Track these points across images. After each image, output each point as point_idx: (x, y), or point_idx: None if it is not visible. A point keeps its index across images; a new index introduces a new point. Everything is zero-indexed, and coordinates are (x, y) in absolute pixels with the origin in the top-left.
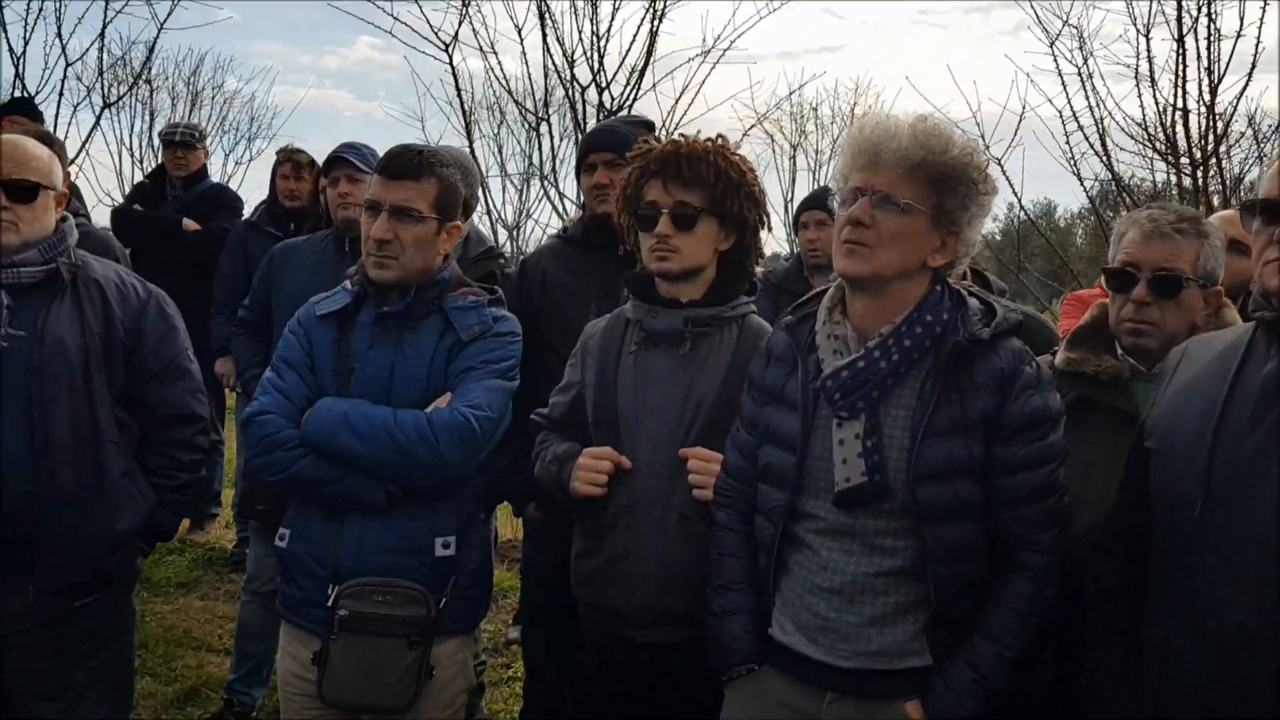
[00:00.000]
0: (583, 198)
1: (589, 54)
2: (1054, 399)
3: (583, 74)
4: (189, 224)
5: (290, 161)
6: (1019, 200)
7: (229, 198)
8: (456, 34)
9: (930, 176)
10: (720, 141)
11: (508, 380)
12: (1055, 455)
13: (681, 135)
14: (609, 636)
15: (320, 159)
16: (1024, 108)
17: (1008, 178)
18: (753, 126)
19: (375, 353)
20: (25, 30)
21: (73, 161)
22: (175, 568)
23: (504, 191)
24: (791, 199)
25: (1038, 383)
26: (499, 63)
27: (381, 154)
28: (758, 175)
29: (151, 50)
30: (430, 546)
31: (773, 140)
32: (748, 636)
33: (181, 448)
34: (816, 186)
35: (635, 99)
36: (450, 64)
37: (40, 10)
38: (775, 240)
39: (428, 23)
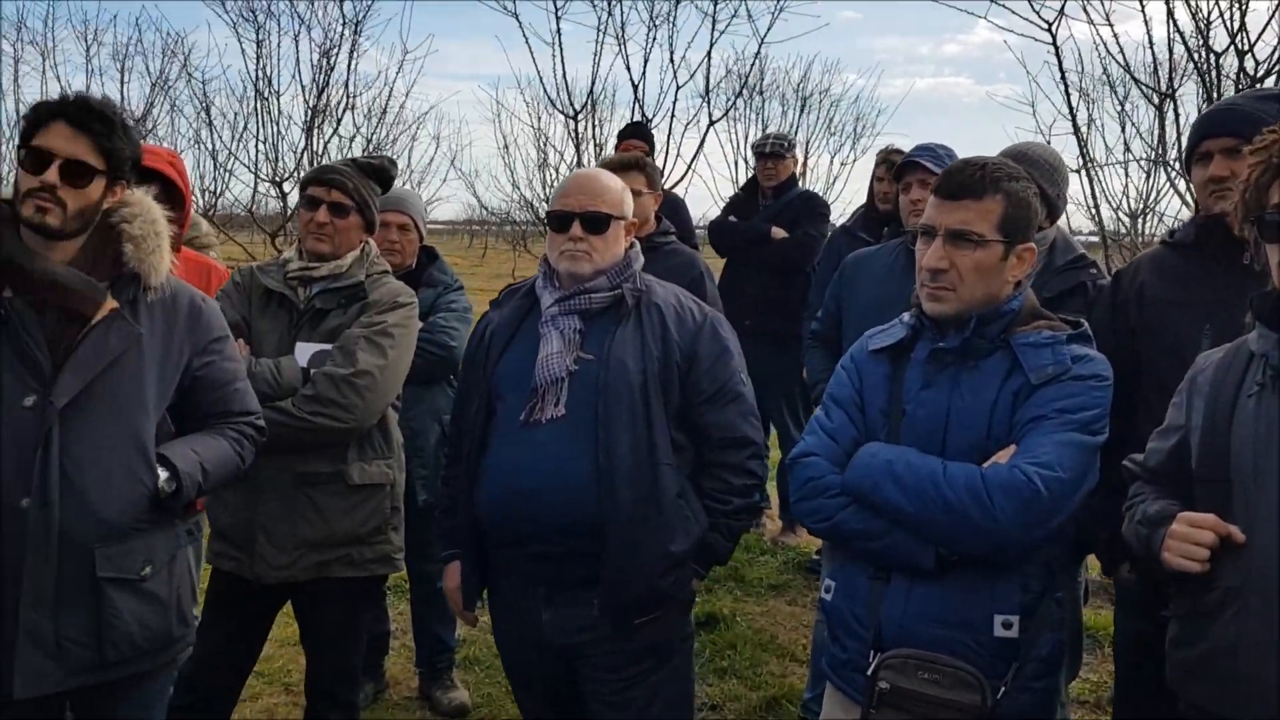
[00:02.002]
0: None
1: (1227, 14)
2: None
3: (1219, 39)
4: (777, 232)
5: (885, 162)
6: None
7: (815, 204)
8: (1062, 9)
9: None
10: None
11: (1090, 435)
12: None
13: None
14: None
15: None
16: None
17: None
18: None
19: (929, 393)
20: (644, 57)
21: (687, 171)
22: (766, 569)
23: (1126, 177)
24: None
25: None
26: (1114, 35)
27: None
28: None
29: (752, 63)
30: (988, 624)
31: None
32: None
33: (734, 471)
34: None
35: None
36: (1054, 44)
37: (654, 37)
38: None
39: (1029, 2)
